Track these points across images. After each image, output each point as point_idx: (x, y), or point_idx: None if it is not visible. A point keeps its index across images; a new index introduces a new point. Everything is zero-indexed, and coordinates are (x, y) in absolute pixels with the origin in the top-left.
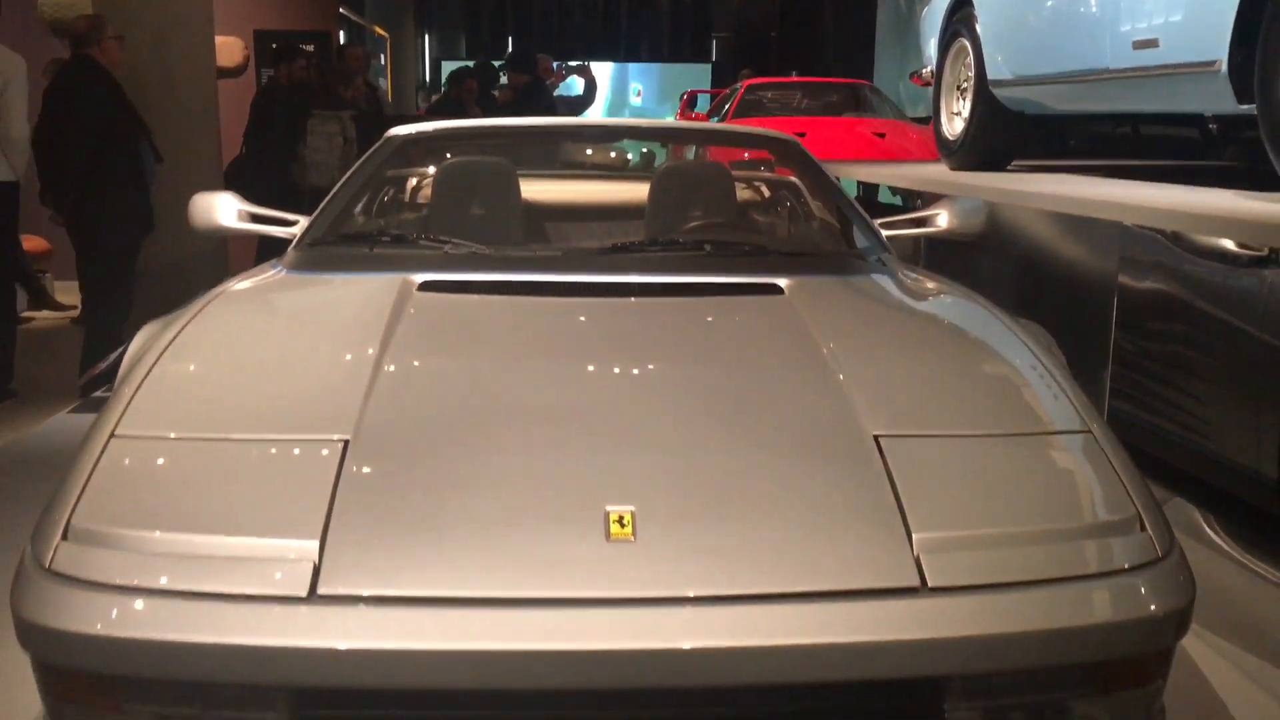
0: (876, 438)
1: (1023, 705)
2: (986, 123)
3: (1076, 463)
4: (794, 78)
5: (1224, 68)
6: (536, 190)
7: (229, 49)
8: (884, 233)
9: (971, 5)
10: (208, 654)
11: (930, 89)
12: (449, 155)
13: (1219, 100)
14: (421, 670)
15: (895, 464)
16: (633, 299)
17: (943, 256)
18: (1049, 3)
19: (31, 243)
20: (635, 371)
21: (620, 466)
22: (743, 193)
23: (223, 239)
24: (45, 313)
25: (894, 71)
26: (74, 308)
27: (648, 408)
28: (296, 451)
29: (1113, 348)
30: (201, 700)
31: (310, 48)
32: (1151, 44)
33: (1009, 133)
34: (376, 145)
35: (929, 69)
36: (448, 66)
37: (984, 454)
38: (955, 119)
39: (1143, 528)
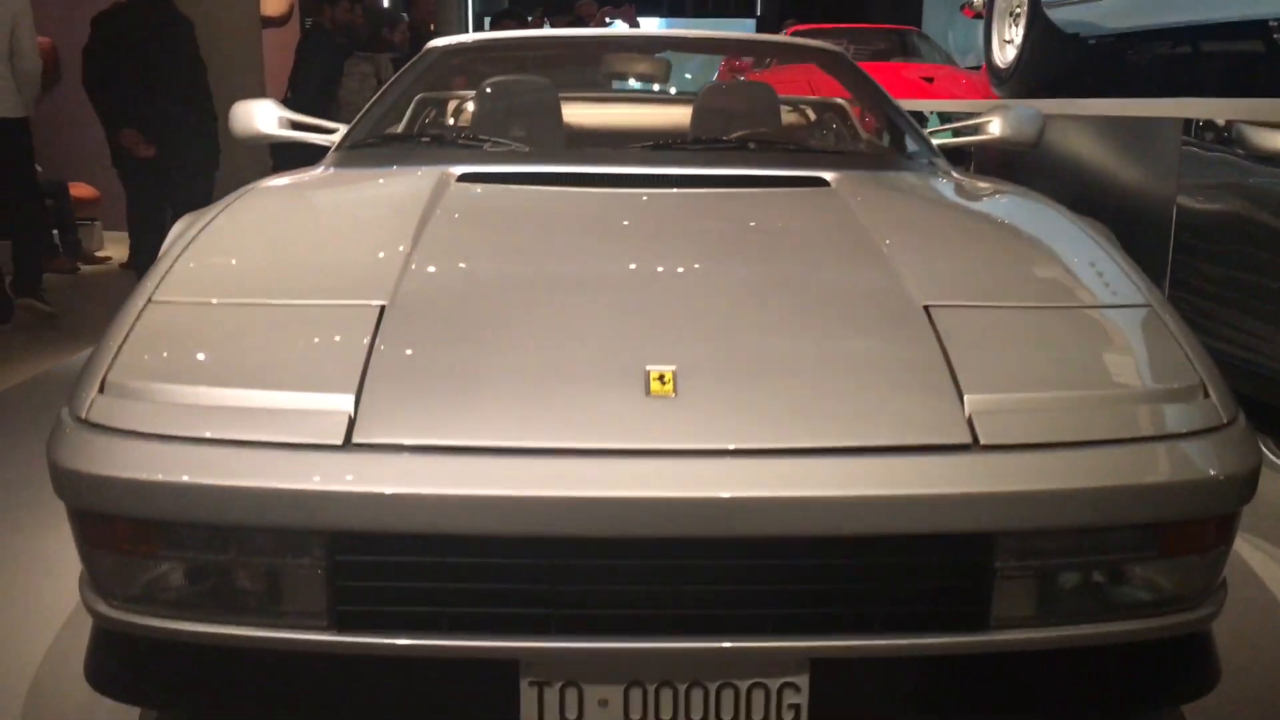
0: (926, 308)
1: (1079, 566)
2: (1040, 47)
3: (1137, 332)
4: (840, 24)
5: None
6: (579, 114)
7: None
8: (935, 142)
9: None
10: (243, 498)
11: (981, 22)
12: (490, 75)
13: None
14: (458, 515)
15: (946, 331)
16: (676, 190)
17: (993, 174)
18: None
19: (80, 190)
20: (678, 247)
21: (661, 329)
22: (788, 116)
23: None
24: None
25: (943, 18)
26: (107, 259)
27: (690, 278)
28: (333, 316)
29: (1170, 270)
30: (236, 546)
31: None
32: None
33: (1063, 57)
34: (416, 56)
35: None
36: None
37: (1039, 323)
38: (1007, 47)
39: (1206, 395)
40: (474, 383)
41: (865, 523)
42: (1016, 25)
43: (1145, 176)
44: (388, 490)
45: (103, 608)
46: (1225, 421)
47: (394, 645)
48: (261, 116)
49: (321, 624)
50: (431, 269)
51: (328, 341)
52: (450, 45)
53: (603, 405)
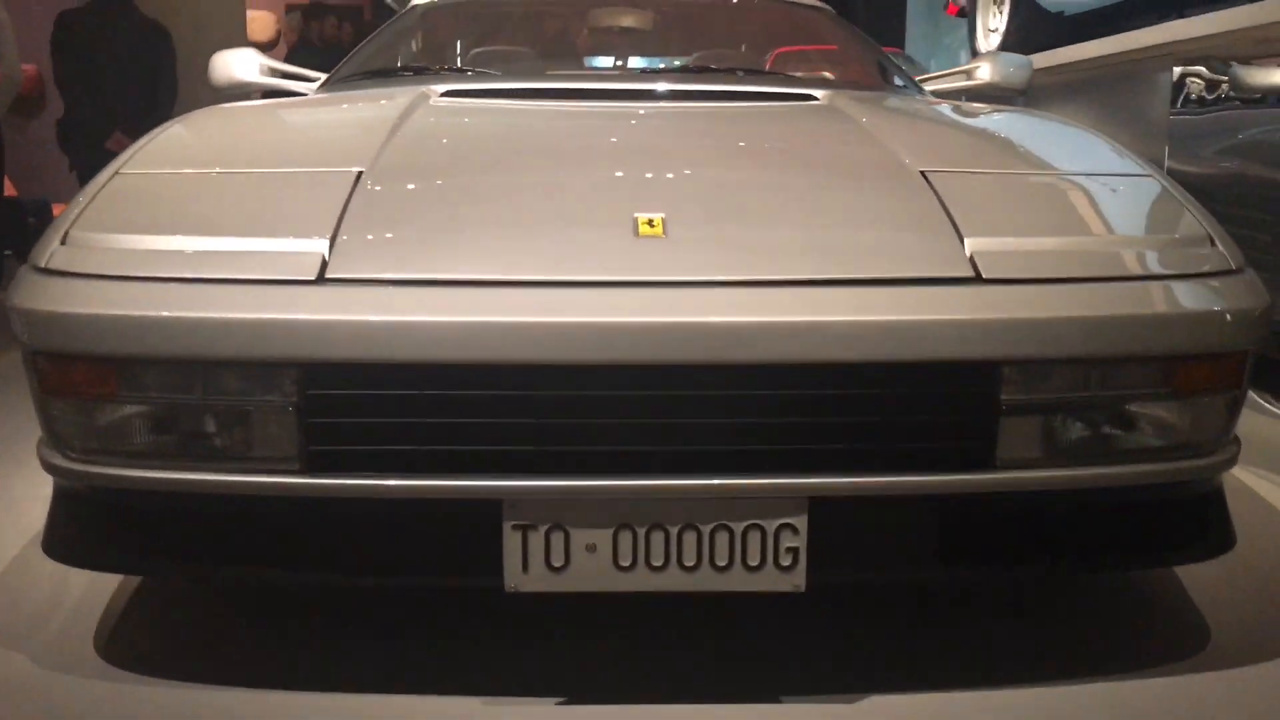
0: (923, 172)
1: (1087, 404)
2: (1024, 27)
3: (1141, 195)
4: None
5: None
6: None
7: (261, 23)
8: (926, 87)
9: None
10: (211, 329)
11: (965, 20)
12: (474, 48)
13: None
14: (436, 342)
15: (944, 190)
16: (664, 103)
17: None
18: None
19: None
20: (670, 121)
21: (651, 183)
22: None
23: None
24: None
25: (930, 36)
26: None
27: (680, 139)
28: (309, 180)
29: None
30: (203, 385)
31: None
32: None
33: (1046, 36)
34: (400, 13)
35: None
36: None
37: (1041, 185)
38: (991, 35)
39: (1213, 244)
40: (456, 225)
41: (865, 348)
42: (1000, 12)
43: (1135, 143)
44: (363, 318)
45: (60, 460)
46: (1234, 268)
47: (366, 487)
48: (240, 64)
49: (293, 467)
50: (410, 146)
51: (302, 200)
52: (434, 2)
53: (590, 244)
